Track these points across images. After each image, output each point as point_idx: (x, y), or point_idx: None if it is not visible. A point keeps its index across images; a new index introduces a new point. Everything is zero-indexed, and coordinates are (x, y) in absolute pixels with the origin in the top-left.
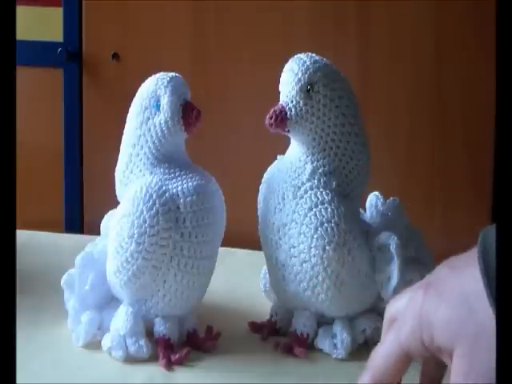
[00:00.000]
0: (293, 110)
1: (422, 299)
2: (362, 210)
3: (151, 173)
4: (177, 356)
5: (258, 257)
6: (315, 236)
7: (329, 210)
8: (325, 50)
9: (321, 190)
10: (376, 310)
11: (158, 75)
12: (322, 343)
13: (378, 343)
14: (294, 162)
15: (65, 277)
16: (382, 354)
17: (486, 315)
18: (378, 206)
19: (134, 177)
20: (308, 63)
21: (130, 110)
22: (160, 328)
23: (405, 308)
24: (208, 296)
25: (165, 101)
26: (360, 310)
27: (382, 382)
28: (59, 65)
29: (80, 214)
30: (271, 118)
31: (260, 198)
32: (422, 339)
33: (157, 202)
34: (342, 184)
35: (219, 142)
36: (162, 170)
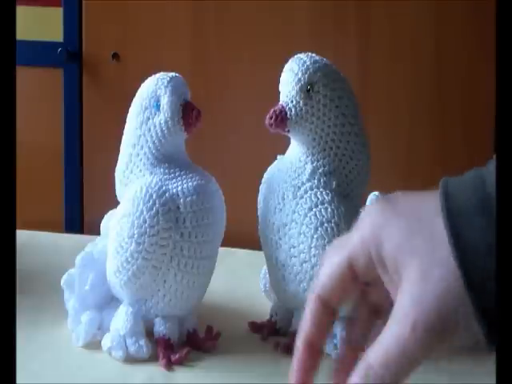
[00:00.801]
0: (293, 109)
1: (374, 211)
2: (361, 210)
3: (151, 173)
4: (177, 356)
5: (258, 257)
6: (315, 236)
7: (329, 210)
8: (325, 50)
9: (321, 189)
10: None
11: (157, 75)
12: None
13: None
14: (294, 162)
15: (65, 277)
16: (328, 264)
17: (442, 238)
18: None
19: (134, 177)
20: (308, 63)
21: (130, 110)
22: (160, 328)
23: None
24: (208, 296)
25: (165, 101)
26: None
27: (327, 296)
28: (59, 65)
29: (80, 214)
30: (271, 117)
31: (260, 198)
32: (369, 250)
33: (157, 201)
34: (342, 184)
35: (219, 142)
36: (162, 169)
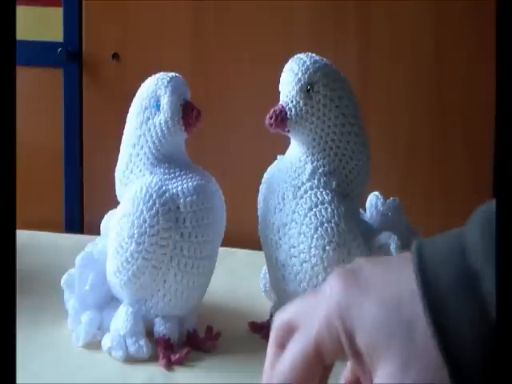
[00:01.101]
0: (293, 110)
1: (339, 289)
2: (361, 210)
3: (151, 173)
4: (177, 356)
5: (258, 257)
6: (315, 236)
7: (329, 210)
8: (325, 50)
9: (321, 189)
10: None
11: (157, 75)
12: None
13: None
14: (294, 162)
15: (65, 277)
16: (289, 358)
17: (422, 325)
18: (378, 206)
19: (134, 177)
20: (308, 63)
21: (130, 110)
22: (160, 328)
23: (309, 305)
24: (208, 296)
25: (165, 101)
26: None
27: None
28: (59, 65)
29: (80, 214)
30: (271, 117)
31: (260, 198)
32: (338, 336)
33: (157, 201)
34: (342, 184)
35: (219, 142)
36: (162, 170)
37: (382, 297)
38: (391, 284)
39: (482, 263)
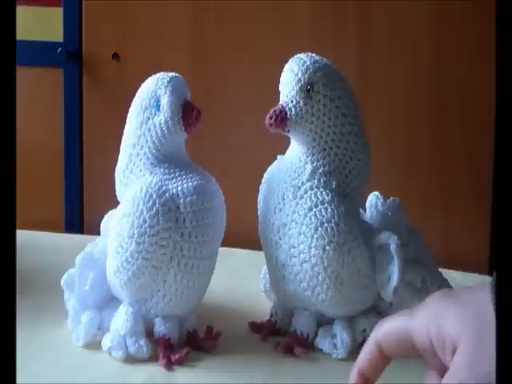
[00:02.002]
0: (293, 110)
1: (437, 303)
2: (361, 210)
3: (151, 173)
4: (177, 356)
5: (258, 257)
6: (315, 236)
7: (329, 209)
8: (325, 50)
9: (321, 189)
10: (376, 310)
11: (157, 75)
12: (322, 343)
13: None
14: (294, 162)
15: (65, 277)
16: (388, 326)
17: (493, 323)
18: (378, 206)
19: (134, 177)
20: (308, 63)
21: (130, 110)
22: (160, 328)
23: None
24: (208, 296)
25: (165, 101)
26: (360, 310)
27: (382, 349)
28: (59, 65)
29: (80, 214)
30: (271, 117)
31: (260, 198)
32: (430, 331)
33: (157, 201)
34: (342, 184)
35: (219, 142)
36: (162, 170)
37: (463, 302)
38: (471, 296)
39: None
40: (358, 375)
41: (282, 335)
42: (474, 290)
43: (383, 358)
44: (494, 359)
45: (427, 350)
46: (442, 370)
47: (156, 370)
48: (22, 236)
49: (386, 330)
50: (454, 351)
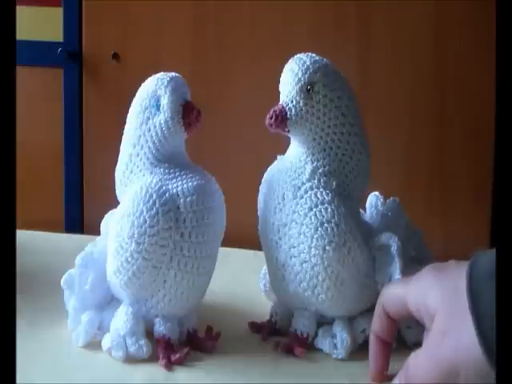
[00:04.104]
0: (293, 110)
1: (426, 277)
2: (361, 210)
3: (151, 173)
4: (177, 356)
5: (258, 257)
6: (315, 236)
7: (329, 210)
8: (325, 50)
9: (321, 190)
10: None
11: (157, 75)
12: (322, 343)
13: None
14: (294, 162)
15: (65, 277)
16: (390, 290)
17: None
18: (378, 206)
19: (134, 177)
20: (308, 63)
21: (130, 110)
22: (160, 328)
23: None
24: (208, 296)
25: (165, 101)
26: (360, 310)
27: (387, 311)
28: (59, 65)
29: (80, 213)
30: (271, 117)
31: (260, 198)
32: (418, 302)
33: (157, 202)
34: (342, 184)
35: (219, 142)
36: (162, 170)
37: (449, 281)
38: (457, 274)
39: None
40: (374, 337)
41: (281, 335)
42: (459, 265)
43: (390, 320)
44: (463, 331)
45: (418, 316)
46: None
47: (156, 370)
48: (22, 236)
49: (387, 294)
50: (432, 321)
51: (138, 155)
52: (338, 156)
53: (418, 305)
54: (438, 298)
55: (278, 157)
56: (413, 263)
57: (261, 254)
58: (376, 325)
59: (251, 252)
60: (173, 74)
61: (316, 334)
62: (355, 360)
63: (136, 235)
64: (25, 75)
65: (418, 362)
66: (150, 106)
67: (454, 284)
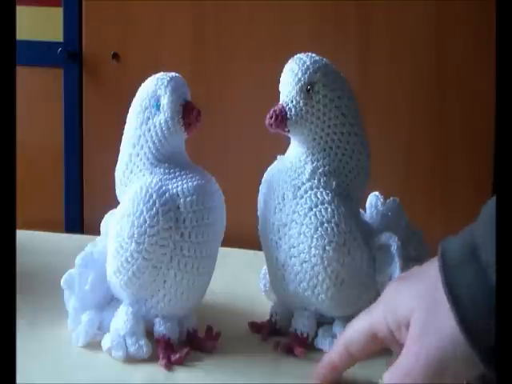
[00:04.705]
0: (293, 110)
1: (390, 292)
2: (361, 210)
3: (151, 173)
4: (177, 356)
5: (258, 257)
6: (315, 236)
7: (329, 210)
8: (325, 50)
9: (321, 190)
10: None
11: (157, 75)
12: (322, 343)
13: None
14: (294, 162)
15: (65, 277)
16: (353, 328)
17: (443, 302)
18: (378, 206)
19: (134, 177)
20: (308, 63)
21: (130, 109)
22: (160, 328)
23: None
24: (208, 296)
25: (165, 101)
26: (360, 310)
27: (351, 352)
28: (59, 65)
29: (80, 213)
30: (271, 117)
31: (260, 198)
32: (387, 320)
33: (157, 202)
34: (342, 184)
35: (219, 142)
36: (162, 170)
37: (417, 282)
38: (424, 273)
39: (483, 237)
40: (327, 369)
41: (281, 335)
42: (423, 267)
43: (353, 359)
44: (447, 325)
45: (389, 339)
46: None
47: (156, 370)
48: (22, 236)
49: (351, 333)
50: (408, 327)
51: (138, 155)
52: (337, 156)
53: (388, 325)
54: (412, 303)
55: (278, 157)
56: (413, 263)
57: (261, 253)
58: (333, 358)
59: (251, 252)
60: (173, 74)
61: (316, 334)
62: None
63: (136, 235)
64: (25, 75)
65: (401, 372)
66: (149, 105)
67: (428, 283)
